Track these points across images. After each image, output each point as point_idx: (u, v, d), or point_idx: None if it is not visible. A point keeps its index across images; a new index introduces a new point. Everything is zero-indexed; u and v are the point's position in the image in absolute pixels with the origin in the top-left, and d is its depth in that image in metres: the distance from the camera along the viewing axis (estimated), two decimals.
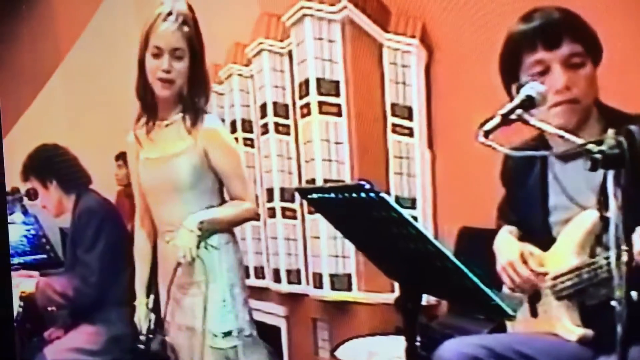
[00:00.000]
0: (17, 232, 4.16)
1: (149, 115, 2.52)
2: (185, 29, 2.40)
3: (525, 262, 1.93)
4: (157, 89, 2.45)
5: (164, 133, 2.50)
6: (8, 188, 3.58)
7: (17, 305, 3.37)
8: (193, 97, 2.44)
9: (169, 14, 2.39)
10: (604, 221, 1.56)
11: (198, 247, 2.37)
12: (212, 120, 2.47)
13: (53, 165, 3.44)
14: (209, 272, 2.41)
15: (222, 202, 2.51)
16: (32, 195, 3.53)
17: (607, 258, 1.74)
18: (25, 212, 4.17)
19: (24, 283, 3.38)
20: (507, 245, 2.00)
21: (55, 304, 3.33)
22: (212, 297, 2.41)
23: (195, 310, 2.44)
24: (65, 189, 3.41)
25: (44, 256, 4.20)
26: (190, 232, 2.35)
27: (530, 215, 2.01)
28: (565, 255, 1.88)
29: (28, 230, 4.25)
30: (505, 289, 2.02)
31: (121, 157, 5.55)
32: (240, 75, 4.08)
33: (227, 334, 2.41)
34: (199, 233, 2.36)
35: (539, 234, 1.98)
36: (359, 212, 1.53)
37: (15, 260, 3.94)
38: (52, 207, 3.47)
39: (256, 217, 2.63)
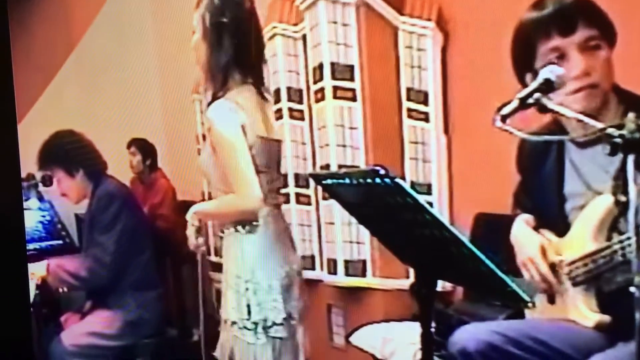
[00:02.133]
0: (33, 218, 4.18)
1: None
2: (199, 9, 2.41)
3: (545, 256, 1.91)
4: None
5: None
6: (23, 174, 3.60)
7: (33, 291, 3.39)
8: (210, 72, 2.43)
9: None
10: (620, 206, 1.55)
11: (197, 237, 2.46)
12: (213, 108, 2.42)
13: (77, 153, 3.45)
14: (230, 259, 2.41)
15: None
16: (48, 181, 3.54)
17: (621, 242, 1.74)
18: (40, 198, 4.19)
19: (34, 267, 3.38)
20: (526, 239, 1.99)
21: (67, 284, 3.34)
22: (229, 285, 2.39)
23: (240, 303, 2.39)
24: (89, 177, 3.43)
25: (60, 242, 4.22)
26: (190, 225, 2.46)
27: (546, 201, 2.00)
28: (581, 241, 1.87)
29: (43, 217, 4.27)
30: (526, 275, 2.00)
31: (133, 144, 5.58)
32: None
33: (233, 323, 2.36)
34: (196, 223, 2.44)
35: (555, 220, 1.97)
36: (374, 198, 1.52)
37: (31, 246, 3.97)
38: (74, 195, 3.48)
39: (254, 208, 2.39)
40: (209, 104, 2.44)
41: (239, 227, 2.37)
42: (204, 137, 5.46)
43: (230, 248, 2.40)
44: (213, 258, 5.55)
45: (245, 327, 2.34)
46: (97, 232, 3.33)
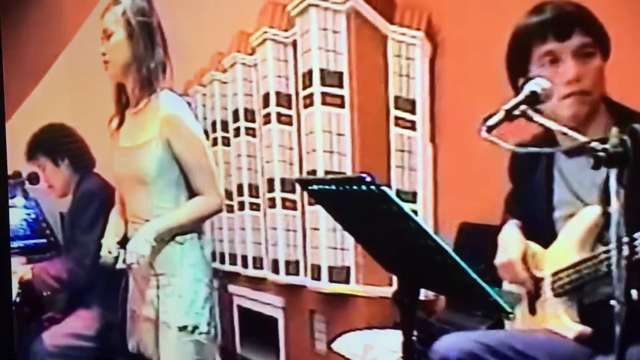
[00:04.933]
0: (18, 216, 4.15)
1: (117, 108, 2.52)
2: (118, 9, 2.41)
3: (525, 262, 1.93)
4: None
5: (134, 120, 2.46)
6: (10, 172, 3.58)
7: (15, 290, 3.37)
8: (140, 68, 2.39)
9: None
10: (607, 218, 1.56)
11: (151, 254, 2.35)
12: (174, 104, 2.39)
13: (64, 143, 3.43)
14: (170, 266, 2.39)
15: (192, 194, 2.42)
16: (34, 179, 3.52)
17: (606, 252, 1.74)
18: (26, 196, 4.17)
19: (20, 270, 3.37)
20: (511, 242, 2.00)
21: (50, 288, 3.33)
22: (171, 291, 2.38)
23: (155, 302, 2.40)
24: (74, 168, 3.41)
25: (44, 240, 4.20)
26: (145, 241, 2.32)
27: (535, 210, 2.01)
28: (566, 251, 1.88)
29: (28, 215, 4.25)
30: (506, 286, 2.01)
31: None
32: (243, 64, 4.07)
33: (182, 328, 2.37)
34: (154, 244, 2.33)
35: (543, 229, 1.98)
36: (360, 205, 1.53)
37: (15, 244, 3.94)
38: (59, 187, 3.46)
39: (221, 210, 2.47)
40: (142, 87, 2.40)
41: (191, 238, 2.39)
42: None
43: (172, 256, 2.40)
44: None
45: (207, 332, 2.39)
46: (77, 232, 3.31)
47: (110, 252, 2.44)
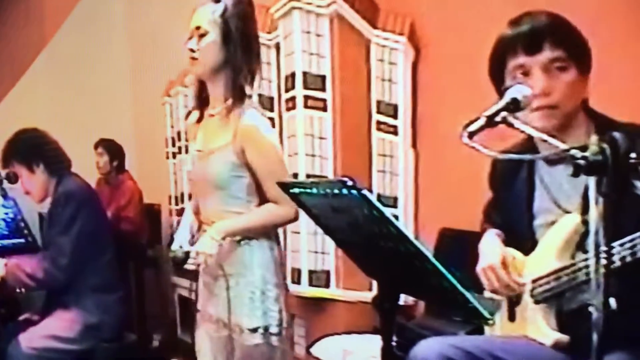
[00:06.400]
0: None
1: (198, 103, 2.48)
2: (217, 8, 2.33)
3: (505, 267, 1.93)
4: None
5: (211, 123, 2.43)
6: None
7: None
8: (232, 74, 2.35)
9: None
10: (587, 226, 1.56)
11: (221, 255, 2.35)
12: (253, 116, 2.34)
13: (38, 148, 3.40)
14: (240, 267, 2.38)
15: (262, 202, 2.40)
16: (12, 178, 3.48)
17: (585, 260, 1.75)
18: (4, 195, 4.13)
19: None
20: (491, 248, 2.01)
21: (23, 285, 3.28)
22: (241, 292, 2.37)
23: (224, 302, 2.39)
24: (50, 172, 3.38)
25: (22, 240, 4.17)
26: (212, 240, 2.32)
27: (515, 218, 2.01)
28: (546, 259, 1.88)
29: (7, 214, 4.22)
30: (486, 292, 2.02)
31: (100, 144, 5.52)
32: None
33: (254, 330, 2.35)
34: (222, 242, 2.33)
35: (524, 237, 1.98)
36: (340, 209, 1.53)
37: None
38: (37, 192, 3.42)
39: (295, 219, 2.40)
40: (233, 105, 2.36)
41: (260, 239, 2.38)
42: (173, 140, 5.44)
43: (242, 257, 2.39)
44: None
45: (279, 333, 2.36)
46: (55, 232, 3.28)
47: (181, 247, 2.43)
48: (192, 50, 2.35)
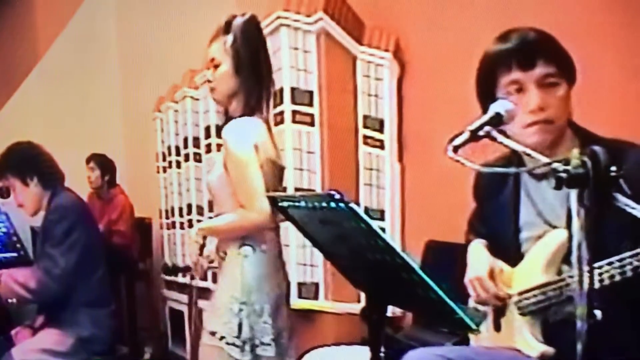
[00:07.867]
0: None
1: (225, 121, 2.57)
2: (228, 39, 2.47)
3: (493, 279, 1.95)
4: None
5: None
6: None
7: None
8: (244, 98, 2.48)
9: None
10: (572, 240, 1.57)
11: (201, 254, 2.49)
12: (230, 127, 2.46)
13: (33, 161, 3.40)
14: (228, 278, 2.45)
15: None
16: (5, 193, 3.49)
17: (572, 276, 1.77)
18: None
19: None
20: (478, 259, 2.02)
21: (16, 295, 3.28)
22: (213, 300, 2.48)
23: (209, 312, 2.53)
24: (44, 185, 3.38)
25: (14, 254, 4.16)
26: (193, 242, 2.49)
27: (501, 230, 2.02)
28: (532, 272, 1.89)
29: None
30: (472, 303, 2.04)
31: (92, 159, 5.53)
32: None
33: (212, 333, 2.42)
34: (200, 241, 2.47)
35: (509, 249, 1.99)
36: (328, 222, 1.54)
37: None
38: (30, 205, 3.41)
39: (261, 225, 2.42)
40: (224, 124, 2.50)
41: (243, 249, 2.43)
42: (163, 155, 5.46)
43: (228, 268, 2.45)
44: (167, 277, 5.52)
45: (233, 344, 2.39)
46: (48, 245, 3.28)
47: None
48: (209, 81, 2.54)
